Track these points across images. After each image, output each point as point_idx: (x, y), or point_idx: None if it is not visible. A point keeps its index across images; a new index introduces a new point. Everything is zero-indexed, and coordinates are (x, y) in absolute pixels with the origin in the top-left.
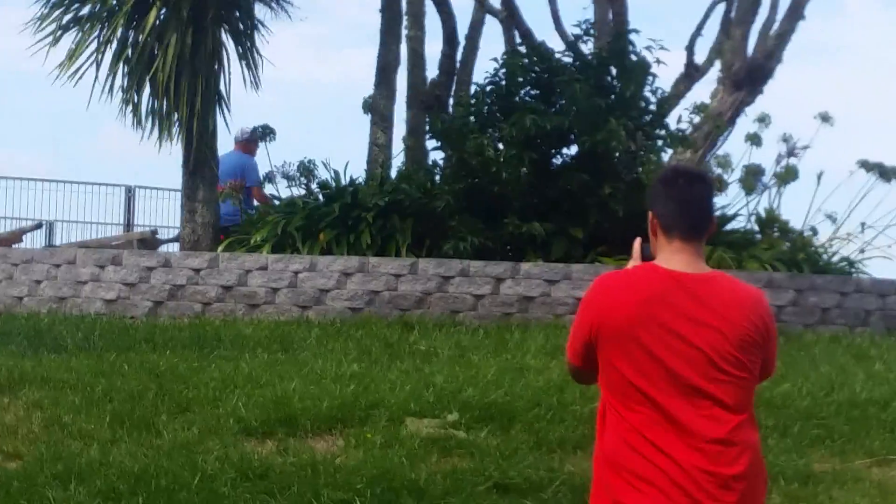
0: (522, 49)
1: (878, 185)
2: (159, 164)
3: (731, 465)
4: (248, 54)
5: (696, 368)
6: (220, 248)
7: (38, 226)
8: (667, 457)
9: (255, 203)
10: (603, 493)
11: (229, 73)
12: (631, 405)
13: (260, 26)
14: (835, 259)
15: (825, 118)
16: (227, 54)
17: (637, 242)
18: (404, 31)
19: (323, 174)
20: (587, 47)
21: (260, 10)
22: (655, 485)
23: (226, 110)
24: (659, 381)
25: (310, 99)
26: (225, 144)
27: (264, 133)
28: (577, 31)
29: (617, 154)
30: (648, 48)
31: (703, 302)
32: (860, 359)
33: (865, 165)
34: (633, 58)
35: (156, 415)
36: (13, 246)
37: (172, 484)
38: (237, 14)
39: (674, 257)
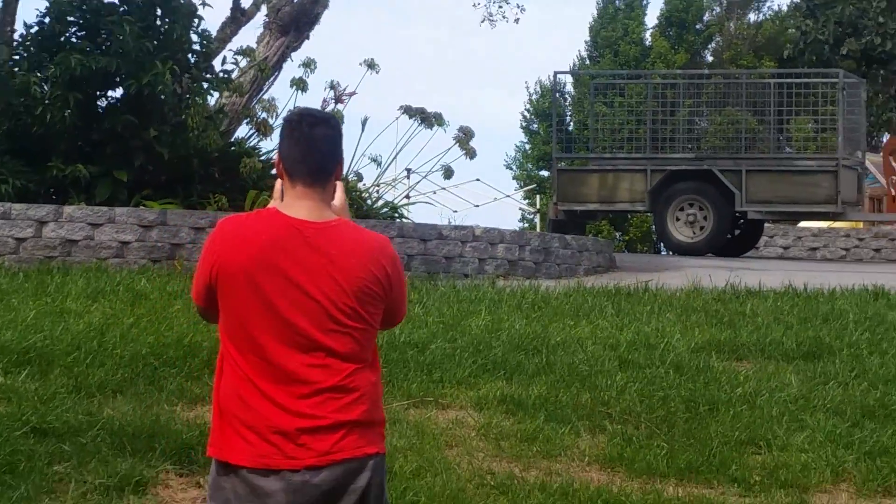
0: None
1: (422, 131)
2: None
3: (344, 411)
4: None
5: (311, 319)
6: None
7: None
8: (275, 405)
9: None
10: (215, 440)
11: None
12: (245, 352)
13: None
14: (379, 204)
15: (371, 65)
16: None
17: (278, 183)
18: None
19: None
20: None
21: None
22: (261, 433)
23: None
24: (274, 330)
25: None
26: None
27: None
28: None
29: (164, 97)
30: None
31: (323, 252)
32: None
33: (408, 111)
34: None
35: None
36: None
37: None
38: None
39: (297, 203)
